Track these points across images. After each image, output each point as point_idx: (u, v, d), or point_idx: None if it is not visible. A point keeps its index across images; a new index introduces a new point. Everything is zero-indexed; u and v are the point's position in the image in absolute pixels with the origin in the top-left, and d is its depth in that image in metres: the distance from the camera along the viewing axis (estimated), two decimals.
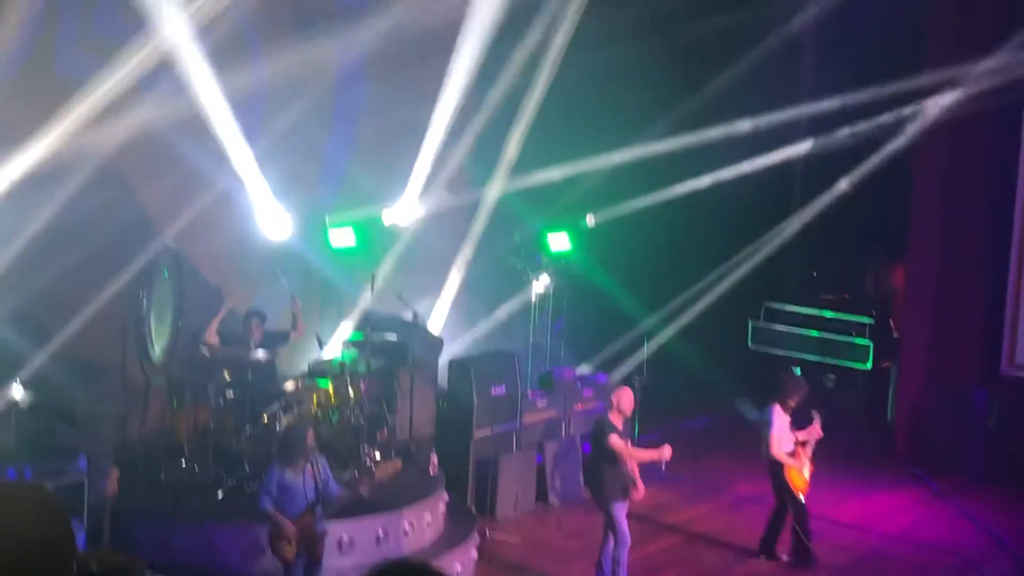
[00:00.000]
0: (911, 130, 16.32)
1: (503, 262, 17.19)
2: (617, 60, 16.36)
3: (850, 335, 17.72)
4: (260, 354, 12.86)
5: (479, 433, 14.27)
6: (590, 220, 17.33)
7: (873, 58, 16.46)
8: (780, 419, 13.24)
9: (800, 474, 13.21)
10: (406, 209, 16.09)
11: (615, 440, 12.12)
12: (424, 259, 16.66)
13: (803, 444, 13.30)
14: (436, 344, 15.02)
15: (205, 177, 14.09)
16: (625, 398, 12.36)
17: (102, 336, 13.13)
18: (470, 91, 16.33)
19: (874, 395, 17.77)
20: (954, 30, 16.12)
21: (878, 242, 18.16)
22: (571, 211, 17.31)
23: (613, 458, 12.14)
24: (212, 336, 13.10)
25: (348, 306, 15.77)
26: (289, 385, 12.95)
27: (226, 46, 13.60)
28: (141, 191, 13.56)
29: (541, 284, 17.19)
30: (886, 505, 15.16)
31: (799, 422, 13.29)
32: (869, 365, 17.61)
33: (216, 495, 12.20)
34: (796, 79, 18.72)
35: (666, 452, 12.25)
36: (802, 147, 17.48)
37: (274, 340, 13.37)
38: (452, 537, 12.96)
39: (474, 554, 12.95)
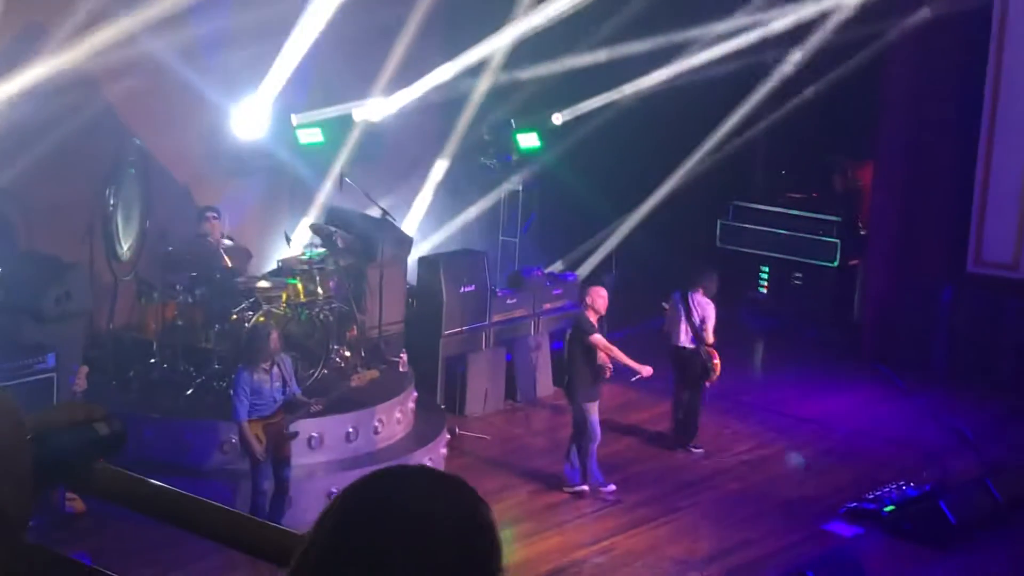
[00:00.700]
0: (881, 32, 16.26)
1: (472, 160, 17.15)
2: None
3: (818, 233, 17.79)
4: (226, 247, 12.85)
5: (448, 331, 14.34)
6: (558, 118, 17.27)
7: None
8: (710, 307, 13.64)
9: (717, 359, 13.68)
10: (376, 106, 15.98)
11: (597, 338, 12.34)
12: (394, 157, 16.59)
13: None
14: (406, 242, 15.01)
15: (173, 75, 13.97)
16: (599, 297, 12.51)
17: (69, 233, 13.08)
18: None
19: (841, 293, 17.89)
20: None
21: (846, 141, 18.15)
22: (540, 109, 17.24)
23: (589, 357, 12.28)
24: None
25: (316, 204, 15.73)
26: (258, 283, 12.94)
27: None
28: (108, 89, 13.43)
29: (510, 182, 17.19)
30: (851, 401, 15.34)
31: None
32: (836, 263, 17.70)
33: (185, 392, 12.24)
34: None
35: (646, 371, 12.59)
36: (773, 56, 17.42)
37: (239, 253, 13.29)
38: (421, 434, 13.07)
39: (443, 451, 13.08)
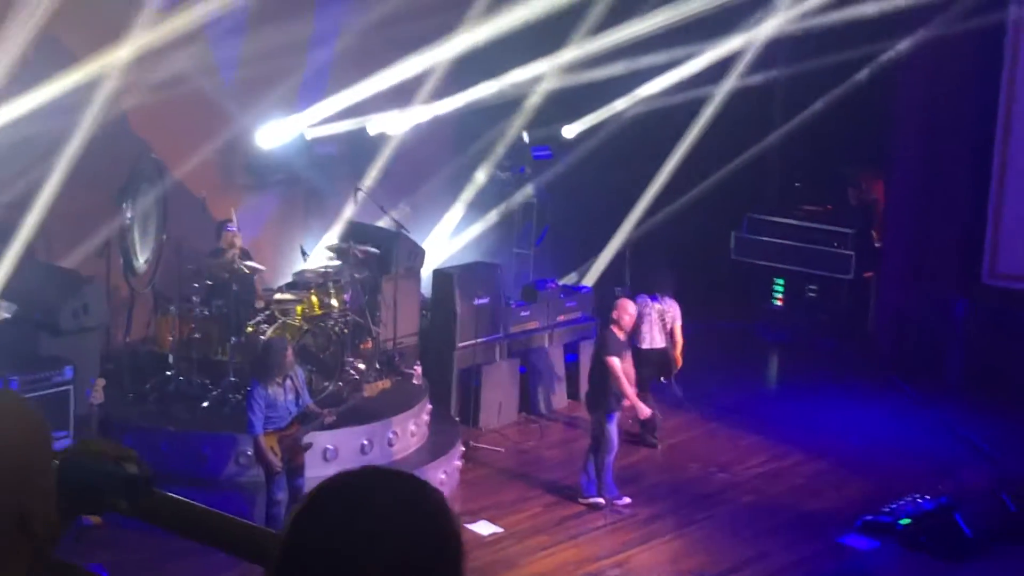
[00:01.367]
0: (895, 45, 16.28)
1: (486, 172, 17.19)
2: None
3: (832, 246, 17.78)
4: (245, 264, 12.91)
5: (462, 343, 14.36)
6: (570, 130, 17.31)
7: None
8: (676, 308, 14.02)
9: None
10: (391, 120, 16.05)
11: (611, 361, 12.35)
12: (408, 169, 16.65)
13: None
14: (419, 254, 15.05)
15: (189, 90, 14.07)
16: (625, 313, 12.49)
17: (86, 247, 13.16)
18: (453, 4, 16.27)
19: (855, 305, 17.88)
20: None
21: (860, 153, 18.14)
22: (552, 121, 17.28)
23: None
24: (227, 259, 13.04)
25: (331, 216, 15.80)
26: (274, 296, 12.99)
27: None
28: (124, 104, 13.51)
29: (523, 195, 17.24)
30: (865, 413, 15.31)
31: None
32: (851, 275, 17.69)
33: (201, 405, 12.29)
34: None
35: (643, 413, 12.64)
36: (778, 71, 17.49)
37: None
38: (436, 447, 13.09)
39: (458, 463, 13.09)
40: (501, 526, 12.06)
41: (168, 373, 12.64)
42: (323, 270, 13.43)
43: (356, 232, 14.59)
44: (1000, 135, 16.17)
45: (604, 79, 16.65)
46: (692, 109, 17.13)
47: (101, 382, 11.92)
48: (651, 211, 17.44)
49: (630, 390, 12.41)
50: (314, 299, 12.99)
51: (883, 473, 13.56)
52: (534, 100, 16.85)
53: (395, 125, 16.12)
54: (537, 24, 15.52)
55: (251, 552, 2.45)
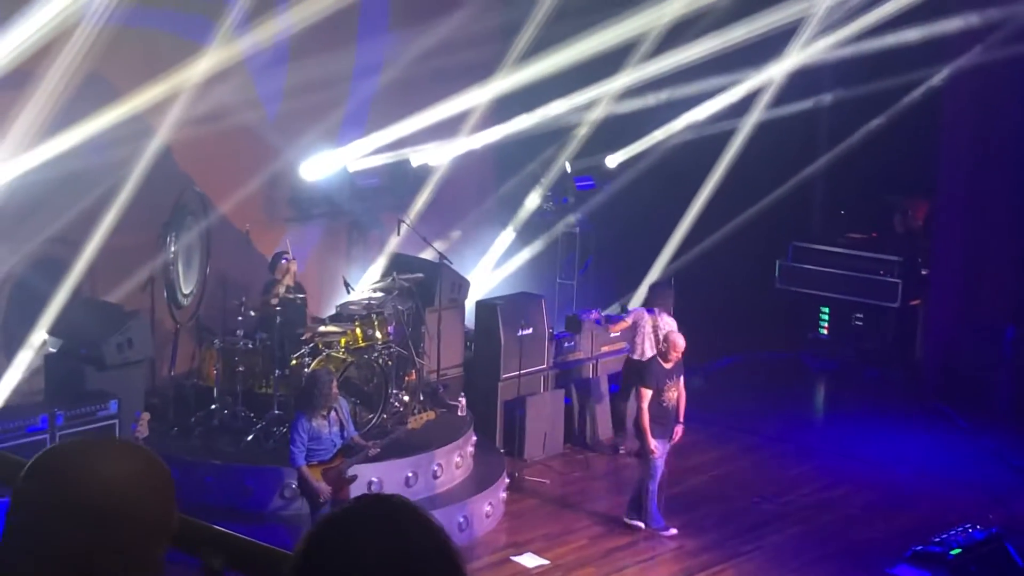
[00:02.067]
0: (940, 71, 16.20)
1: (529, 202, 17.20)
2: None
3: (878, 274, 17.65)
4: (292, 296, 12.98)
5: (506, 374, 14.33)
6: (612, 160, 17.30)
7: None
8: (673, 324, 13.81)
9: None
10: (434, 152, 16.10)
11: (642, 392, 12.44)
12: (452, 200, 16.68)
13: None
14: (463, 285, 15.04)
15: (232, 124, 14.16)
16: (673, 349, 12.44)
17: (131, 281, 13.24)
18: (494, 36, 16.35)
19: (902, 333, 17.72)
20: None
21: (905, 180, 18.02)
22: (595, 151, 17.28)
23: (656, 395, 12.32)
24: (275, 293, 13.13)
25: (375, 248, 15.86)
26: (318, 328, 13.00)
27: None
28: (167, 138, 13.59)
29: (566, 225, 17.22)
30: (914, 442, 15.15)
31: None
32: (897, 303, 17.55)
33: (246, 438, 12.29)
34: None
35: (653, 451, 12.44)
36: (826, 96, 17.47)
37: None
38: (481, 478, 13.03)
39: (503, 495, 13.03)
40: (547, 558, 11.98)
41: (212, 406, 12.65)
42: (367, 302, 13.43)
43: (400, 264, 14.61)
44: None
45: (647, 108, 16.65)
46: (735, 137, 17.07)
47: (146, 416, 11.96)
48: (695, 240, 17.37)
49: (647, 424, 12.34)
50: (358, 331, 12.99)
51: (932, 503, 13.41)
52: (577, 130, 16.86)
53: (437, 157, 16.16)
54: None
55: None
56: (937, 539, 12.12)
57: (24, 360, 12.82)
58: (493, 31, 16.51)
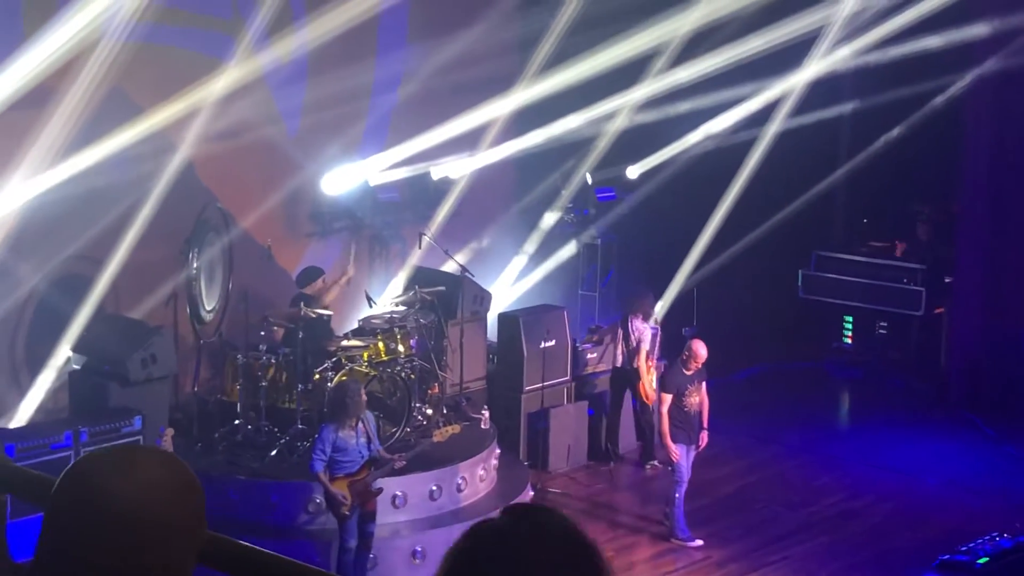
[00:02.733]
0: (962, 78, 16.15)
1: (551, 215, 17.20)
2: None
3: (902, 282, 17.58)
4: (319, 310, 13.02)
5: (529, 387, 14.31)
6: (633, 171, 17.28)
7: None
8: (646, 331, 14.21)
9: (651, 384, 14.22)
10: (455, 165, 16.11)
11: (662, 397, 12.62)
12: (474, 213, 16.68)
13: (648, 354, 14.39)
14: (485, 298, 15.04)
15: (253, 140, 14.20)
16: (694, 359, 12.47)
17: (153, 297, 13.27)
18: (514, 48, 16.37)
19: (927, 341, 17.64)
20: None
21: (928, 188, 17.96)
22: (615, 162, 17.27)
23: (677, 401, 12.34)
24: (322, 304, 13.18)
25: (396, 262, 15.88)
26: (341, 342, 13.01)
27: (272, 10, 13.81)
28: (189, 154, 13.62)
29: (588, 236, 17.21)
30: (939, 451, 15.07)
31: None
32: (921, 312, 17.47)
33: (270, 453, 12.29)
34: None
35: (675, 454, 12.53)
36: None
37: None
38: (505, 491, 13.01)
39: None
40: None
41: (236, 422, 12.66)
42: (389, 316, 13.44)
43: (421, 277, 14.62)
44: None
45: (668, 118, 16.63)
46: (756, 146, 17.02)
47: (170, 432, 11.97)
48: (717, 250, 17.33)
49: (666, 429, 12.47)
50: (380, 345, 13.00)
51: (959, 511, 13.34)
52: (597, 141, 16.85)
53: (458, 169, 16.17)
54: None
55: None
56: (964, 548, 12.05)
57: (48, 377, 12.86)
58: (512, 43, 16.52)
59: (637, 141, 17.11)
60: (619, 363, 14.54)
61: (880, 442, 15.39)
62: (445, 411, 13.56)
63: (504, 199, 17.58)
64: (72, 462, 2.25)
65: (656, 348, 14.58)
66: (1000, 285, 16.56)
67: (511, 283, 17.15)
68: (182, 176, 13.47)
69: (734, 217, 17.16)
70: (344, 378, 12.23)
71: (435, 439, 12.00)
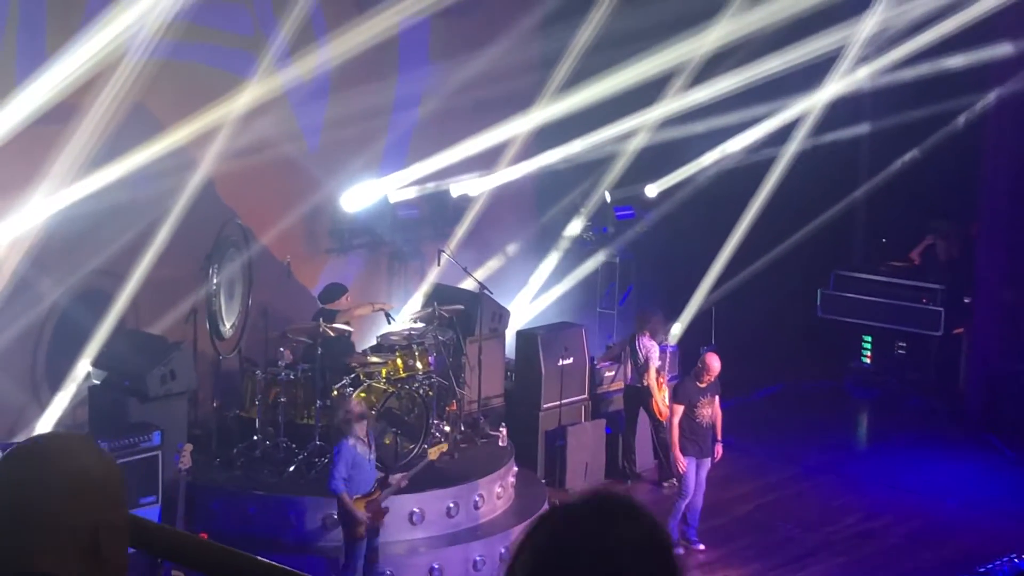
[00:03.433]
0: (982, 98, 16.14)
1: (569, 233, 17.22)
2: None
3: (920, 302, 17.54)
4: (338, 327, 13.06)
5: (547, 404, 14.31)
6: (652, 190, 17.30)
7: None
8: (654, 349, 14.15)
9: (664, 401, 14.12)
10: (474, 182, 16.15)
11: (672, 408, 12.81)
12: (493, 229, 16.72)
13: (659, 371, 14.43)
14: (504, 315, 15.06)
15: (273, 157, 14.26)
16: (705, 372, 12.55)
17: (173, 313, 13.32)
18: (534, 67, 16.42)
19: (946, 362, 17.59)
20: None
21: (947, 208, 17.92)
22: (635, 180, 17.28)
23: (689, 415, 12.50)
24: (344, 321, 13.21)
25: (415, 279, 15.91)
26: (359, 359, 13.04)
27: (294, 28, 13.90)
28: (209, 170, 13.68)
29: (607, 254, 17.22)
30: (958, 472, 15.03)
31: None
32: (940, 332, 17.42)
33: (288, 469, 12.32)
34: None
35: (680, 466, 12.66)
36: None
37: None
38: (522, 509, 13.01)
39: None
40: None
41: (255, 437, 12.69)
42: (407, 332, 13.47)
43: (440, 294, 14.64)
44: None
45: (687, 137, 16.65)
46: (776, 165, 17.03)
47: (189, 447, 11.98)
48: (736, 269, 17.33)
49: (676, 440, 12.61)
50: (399, 362, 13.03)
51: (978, 533, 13.30)
52: (617, 160, 16.88)
53: (478, 187, 16.22)
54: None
55: None
56: (982, 569, 12.01)
57: (68, 392, 12.91)
58: (533, 62, 16.57)
59: (657, 160, 17.12)
60: (628, 380, 14.62)
61: (898, 462, 15.36)
62: (463, 428, 13.58)
63: (523, 217, 17.61)
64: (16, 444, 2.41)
65: (667, 366, 14.60)
66: (1020, 305, 16.51)
67: (530, 300, 17.17)
68: (203, 192, 13.53)
69: (753, 236, 17.15)
70: (362, 395, 12.28)
71: (430, 456, 12.03)
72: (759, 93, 16.23)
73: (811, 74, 16.35)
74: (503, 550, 12.20)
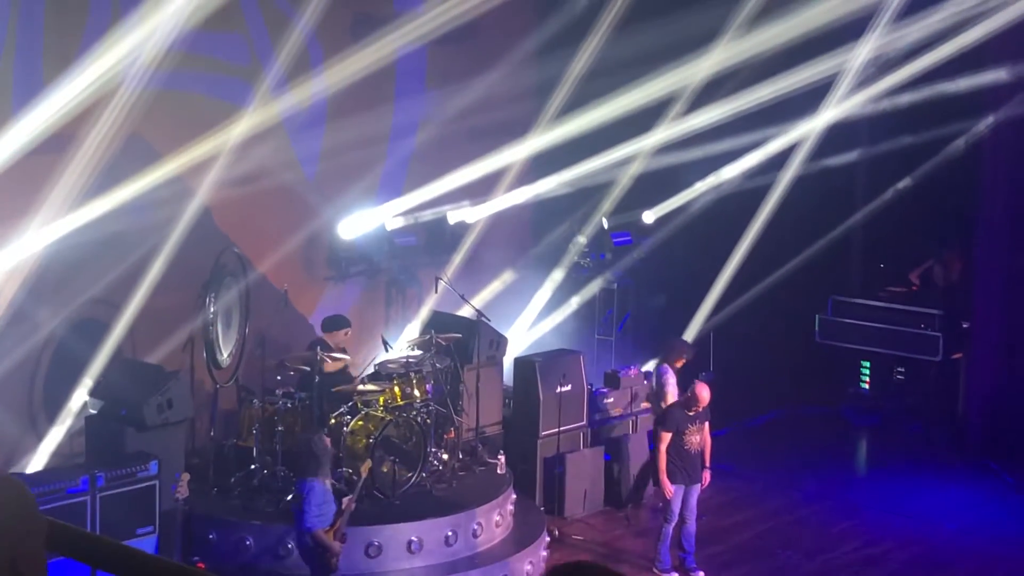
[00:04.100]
0: (979, 123, 16.17)
1: (566, 259, 17.23)
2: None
3: (919, 327, 17.53)
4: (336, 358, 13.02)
5: (546, 431, 14.29)
6: (649, 216, 17.32)
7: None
8: (672, 377, 14.04)
9: None
10: (471, 209, 16.17)
11: (660, 435, 12.70)
12: (490, 257, 16.72)
13: None
14: (501, 342, 15.04)
15: (270, 185, 14.27)
16: (696, 398, 12.57)
17: (170, 342, 13.29)
18: (530, 94, 16.46)
19: (945, 387, 17.56)
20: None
21: (945, 233, 17.93)
22: (632, 207, 17.30)
23: (674, 439, 12.52)
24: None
25: (413, 306, 15.90)
26: (357, 388, 13.00)
27: (290, 56, 13.93)
28: (206, 199, 13.69)
29: (604, 281, 17.23)
30: (958, 498, 15.00)
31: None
32: (939, 357, 17.41)
33: (286, 498, 12.26)
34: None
35: (667, 492, 12.61)
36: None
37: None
38: (522, 537, 12.97)
39: (544, 553, 12.96)
40: None
41: (252, 467, 12.65)
42: (405, 360, 13.44)
43: (438, 321, 14.62)
44: None
45: (684, 163, 16.68)
46: (773, 191, 17.05)
47: (186, 477, 11.95)
48: (734, 295, 17.33)
49: (663, 466, 12.57)
50: (396, 389, 13.00)
51: (978, 559, 13.27)
52: (614, 186, 16.90)
53: (475, 214, 16.23)
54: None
55: None
56: None
57: (65, 422, 12.89)
58: (529, 89, 16.62)
59: (654, 186, 17.14)
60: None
61: (898, 488, 15.32)
62: (461, 456, 13.55)
63: (520, 243, 17.62)
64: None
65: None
66: (1018, 331, 16.50)
67: (527, 327, 17.16)
68: (200, 221, 13.53)
69: (751, 262, 17.17)
70: (360, 423, 12.21)
71: (362, 472, 11.49)
72: (756, 119, 16.27)
73: (808, 100, 16.38)
74: None
